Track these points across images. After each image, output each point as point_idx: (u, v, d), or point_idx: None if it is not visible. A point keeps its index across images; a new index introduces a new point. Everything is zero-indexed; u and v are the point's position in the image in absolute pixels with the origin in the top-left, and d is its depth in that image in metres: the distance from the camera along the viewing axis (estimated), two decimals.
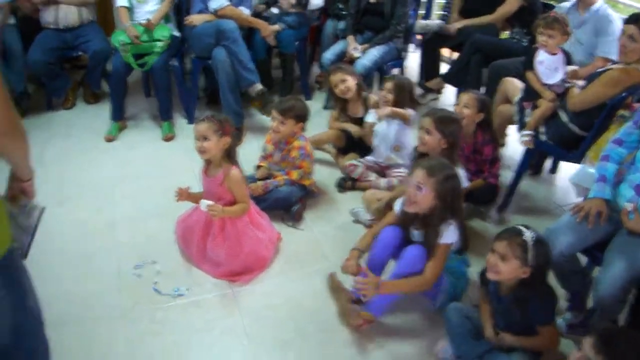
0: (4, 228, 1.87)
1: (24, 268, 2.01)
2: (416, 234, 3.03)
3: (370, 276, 2.89)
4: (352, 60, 5.04)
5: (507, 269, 2.53)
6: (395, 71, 5.53)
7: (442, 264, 2.90)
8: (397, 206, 3.16)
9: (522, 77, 4.13)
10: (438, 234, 2.88)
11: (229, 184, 3.34)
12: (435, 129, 3.38)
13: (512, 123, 4.34)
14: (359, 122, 4.48)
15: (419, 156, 3.54)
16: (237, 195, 3.39)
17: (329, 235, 3.83)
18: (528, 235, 2.51)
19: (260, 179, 4.02)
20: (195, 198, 3.48)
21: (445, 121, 3.40)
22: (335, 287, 3.28)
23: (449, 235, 2.88)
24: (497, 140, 3.98)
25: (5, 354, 2.09)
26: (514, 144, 4.59)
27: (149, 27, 5.01)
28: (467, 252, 3.18)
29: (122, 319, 3.16)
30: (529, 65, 3.96)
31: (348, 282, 3.15)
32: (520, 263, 2.51)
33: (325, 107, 5.61)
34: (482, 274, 2.79)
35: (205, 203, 3.24)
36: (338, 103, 4.57)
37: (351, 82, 4.38)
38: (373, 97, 4.49)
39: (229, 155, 3.36)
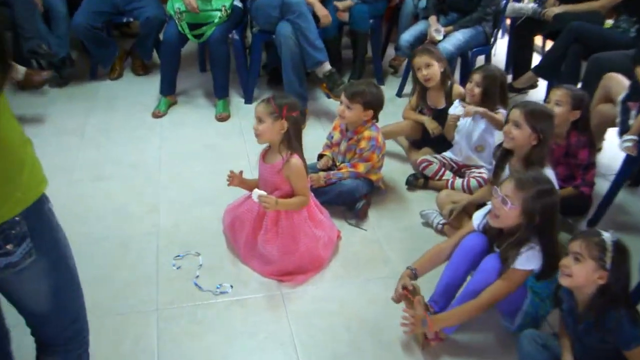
0: (36, 171, 1.85)
1: (58, 225, 1.98)
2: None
3: (417, 309, 2.82)
4: (432, 44, 4.91)
5: (581, 272, 2.45)
6: (481, 60, 5.39)
7: (507, 292, 2.80)
8: (476, 220, 3.07)
9: (628, 73, 3.95)
10: (516, 255, 2.77)
11: (287, 173, 3.30)
12: (526, 122, 3.27)
13: (612, 125, 4.16)
14: (439, 114, 4.36)
15: (504, 154, 3.45)
16: (295, 186, 3.34)
17: (394, 238, 3.74)
18: (607, 235, 2.45)
19: (322, 170, 3.96)
20: (248, 185, 3.45)
21: (537, 114, 3.29)
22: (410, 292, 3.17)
23: (528, 261, 2.76)
24: (595, 143, 3.82)
25: (44, 321, 2.08)
26: (613, 149, 4.40)
27: None
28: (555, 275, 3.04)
29: (157, 314, 3.13)
30: None
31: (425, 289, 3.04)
32: (596, 265, 2.42)
33: (399, 95, 5.52)
34: (555, 293, 2.70)
35: (257, 193, 3.21)
36: (418, 89, 4.46)
37: (436, 68, 4.25)
38: (458, 87, 4.37)
39: (289, 141, 3.31)
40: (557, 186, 3.20)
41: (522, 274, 2.77)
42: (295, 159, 3.29)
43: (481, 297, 2.79)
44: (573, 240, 2.50)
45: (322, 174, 3.87)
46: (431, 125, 4.38)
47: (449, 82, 4.38)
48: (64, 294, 2.04)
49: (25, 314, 2.06)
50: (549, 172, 3.19)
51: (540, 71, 5.17)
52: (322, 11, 4.95)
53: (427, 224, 3.85)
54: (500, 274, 2.80)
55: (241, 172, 3.47)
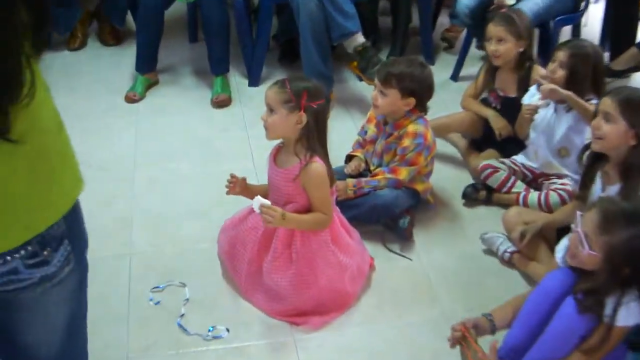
0: (75, 165, 1.89)
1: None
2: None
3: (491, 356, 2.80)
4: (501, 9, 4.89)
5: None
6: (567, 31, 5.37)
7: (603, 355, 2.76)
8: (559, 251, 3.06)
9: None
10: (616, 308, 2.71)
11: (305, 182, 3.29)
12: (620, 114, 3.22)
13: None
14: (510, 105, 4.35)
15: (594, 158, 3.43)
16: (314, 199, 3.33)
17: (446, 269, 3.75)
18: None
19: (351, 176, 3.96)
20: (254, 193, 3.40)
21: (636, 104, 3.25)
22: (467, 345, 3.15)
23: (629, 314, 2.72)
24: None
25: None
26: None
27: None
28: None
29: None
30: None
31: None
32: None
33: (454, 78, 5.54)
34: None
35: (259, 201, 3.19)
36: (487, 66, 4.49)
37: (510, 47, 4.25)
38: (539, 69, 4.32)
39: (309, 140, 3.30)
40: None
41: (623, 331, 2.74)
42: (317, 164, 3.27)
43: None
44: None
45: (350, 181, 3.86)
46: (498, 123, 4.38)
47: (528, 64, 4.36)
48: (78, 326, 2.05)
49: None
50: None
51: None
52: None
53: (491, 251, 3.85)
54: (589, 327, 2.75)
55: (244, 178, 3.48)
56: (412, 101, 3.79)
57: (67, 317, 1.95)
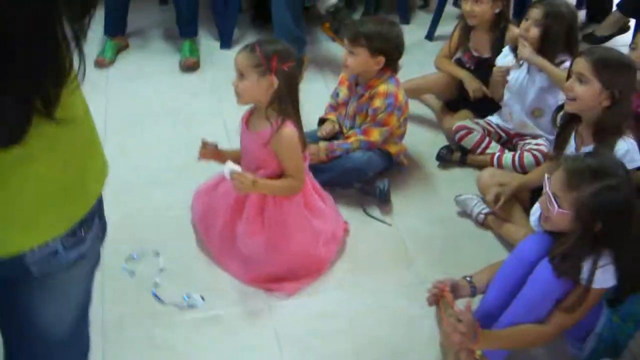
0: (99, 152, 1.90)
1: None
2: None
3: (467, 316, 2.77)
4: None
5: None
6: None
7: (581, 316, 2.78)
8: (534, 214, 3.09)
9: None
10: (592, 270, 2.73)
11: (276, 147, 3.29)
12: (594, 75, 3.23)
13: None
14: (483, 65, 4.36)
15: (567, 120, 3.45)
16: (286, 164, 3.33)
17: (421, 233, 3.77)
18: None
19: (324, 139, 3.97)
20: (225, 158, 3.37)
21: (609, 64, 3.25)
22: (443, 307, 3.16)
23: (603, 278, 2.75)
24: None
25: (58, 351, 2.06)
26: None
27: None
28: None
29: (102, 335, 3.14)
30: None
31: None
32: None
33: (430, 37, 5.54)
34: None
35: (230, 167, 3.17)
36: (462, 25, 4.47)
37: (486, 9, 4.24)
38: (514, 29, 4.31)
39: (280, 104, 3.28)
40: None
41: (600, 292, 2.76)
42: (288, 129, 3.26)
43: (547, 325, 2.77)
44: None
45: (323, 144, 3.88)
46: (472, 84, 4.38)
47: (503, 25, 4.36)
48: (88, 305, 2.07)
49: (34, 341, 2.01)
50: (630, 145, 3.20)
51: (626, 8, 5.14)
52: None
53: (465, 213, 3.89)
54: (565, 291, 2.77)
55: (215, 144, 3.48)
56: (381, 60, 3.78)
57: (84, 295, 1.99)
